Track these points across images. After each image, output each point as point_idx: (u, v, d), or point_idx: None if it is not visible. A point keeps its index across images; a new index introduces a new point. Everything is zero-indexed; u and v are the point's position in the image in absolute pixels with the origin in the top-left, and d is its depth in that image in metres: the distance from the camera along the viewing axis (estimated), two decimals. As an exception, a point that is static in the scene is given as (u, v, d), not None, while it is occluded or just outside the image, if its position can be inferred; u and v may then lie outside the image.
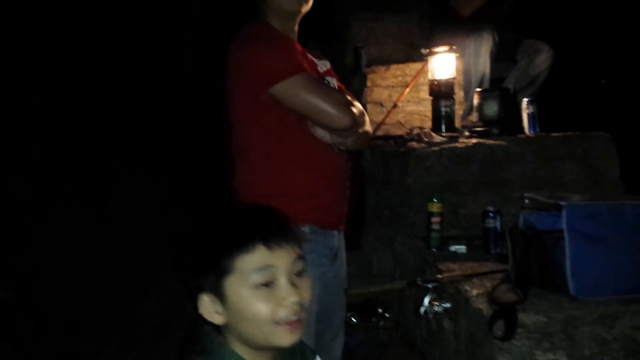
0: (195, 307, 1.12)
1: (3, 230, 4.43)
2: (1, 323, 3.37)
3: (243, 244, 1.07)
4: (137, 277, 3.91)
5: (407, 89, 3.55)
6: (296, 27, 1.90)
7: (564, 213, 1.73)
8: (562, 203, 1.75)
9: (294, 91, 1.75)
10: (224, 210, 1.19)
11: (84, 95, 5.58)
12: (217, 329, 1.13)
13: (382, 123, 3.42)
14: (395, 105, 3.54)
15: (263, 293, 1.06)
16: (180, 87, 5.79)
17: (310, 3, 1.86)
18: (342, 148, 1.88)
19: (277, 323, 1.07)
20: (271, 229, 1.09)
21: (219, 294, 1.08)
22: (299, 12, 1.86)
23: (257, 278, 1.06)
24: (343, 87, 2.04)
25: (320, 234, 1.84)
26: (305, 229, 1.78)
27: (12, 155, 5.08)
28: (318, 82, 1.82)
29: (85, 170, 5.35)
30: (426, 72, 3.27)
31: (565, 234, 1.72)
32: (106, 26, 5.62)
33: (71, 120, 5.46)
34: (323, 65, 1.96)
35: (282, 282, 1.07)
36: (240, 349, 1.11)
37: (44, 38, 5.35)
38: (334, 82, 1.97)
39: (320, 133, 1.82)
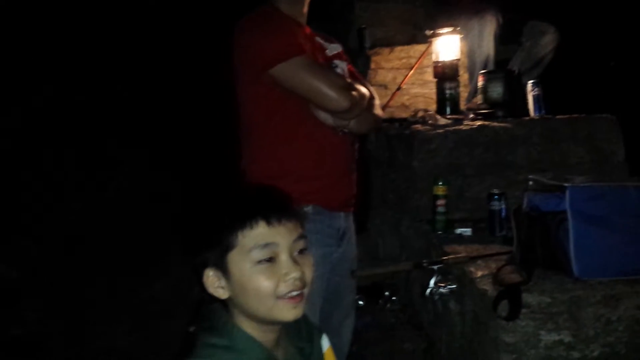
0: (201, 286, 1.15)
1: (11, 212, 4.48)
2: (9, 304, 3.43)
3: (245, 219, 1.10)
4: (143, 261, 3.96)
5: (411, 71, 3.53)
6: (305, 10, 1.92)
7: (567, 194, 1.74)
8: (565, 184, 1.76)
9: (293, 72, 1.78)
10: (226, 188, 1.22)
11: (83, 81, 5.59)
12: (225, 306, 1.16)
13: (386, 105, 3.41)
14: (399, 88, 3.53)
15: (265, 268, 1.10)
16: (182, 72, 5.77)
17: None
18: (346, 131, 1.89)
19: (279, 297, 1.10)
20: (272, 206, 1.13)
21: (223, 269, 1.12)
22: None
23: (259, 254, 1.10)
24: (354, 69, 2.05)
25: (324, 214, 1.86)
26: (309, 209, 1.80)
27: (17, 144, 5.11)
28: (318, 64, 1.83)
29: (88, 155, 5.39)
30: (430, 54, 3.26)
31: (569, 215, 1.73)
32: (107, 13, 5.60)
33: (70, 107, 5.48)
34: (333, 49, 1.98)
35: (283, 258, 1.11)
36: (246, 325, 1.15)
37: (45, 23, 5.35)
38: (343, 65, 1.98)
39: (323, 115, 1.85)
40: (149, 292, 3.60)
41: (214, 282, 1.13)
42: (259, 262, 1.10)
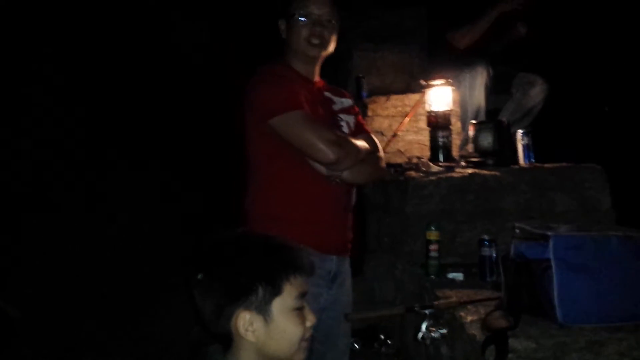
0: (202, 326, 1.22)
1: (9, 249, 4.52)
2: (10, 340, 3.45)
3: (297, 268, 1.21)
4: (144, 297, 3.99)
5: (406, 119, 3.66)
6: (317, 68, 2.08)
7: (550, 243, 1.80)
8: (549, 233, 1.83)
9: (288, 125, 1.92)
10: (267, 237, 1.31)
11: (93, 109, 5.67)
12: (225, 349, 1.23)
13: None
14: (395, 135, 3.65)
15: (298, 315, 1.21)
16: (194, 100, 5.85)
17: (331, 48, 2.04)
18: (338, 181, 1.99)
19: (302, 340, 1.21)
20: (307, 256, 1.25)
21: (265, 313, 1.19)
22: (319, 56, 2.05)
23: (299, 302, 1.21)
24: (363, 122, 2.18)
25: (315, 256, 1.93)
26: None
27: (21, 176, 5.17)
28: (312, 119, 1.96)
29: (91, 186, 5.44)
30: (424, 103, 3.38)
31: (552, 263, 1.79)
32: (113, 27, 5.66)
33: (75, 135, 5.55)
34: (340, 104, 2.12)
35: (306, 305, 1.23)
36: None
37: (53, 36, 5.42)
38: (349, 119, 2.11)
39: (317, 165, 1.97)
40: (148, 330, 3.62)
41: (246, 325, 1.19)
42: (298, 309, 1.20)
